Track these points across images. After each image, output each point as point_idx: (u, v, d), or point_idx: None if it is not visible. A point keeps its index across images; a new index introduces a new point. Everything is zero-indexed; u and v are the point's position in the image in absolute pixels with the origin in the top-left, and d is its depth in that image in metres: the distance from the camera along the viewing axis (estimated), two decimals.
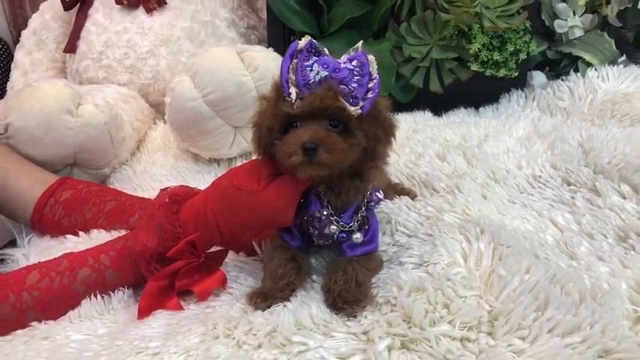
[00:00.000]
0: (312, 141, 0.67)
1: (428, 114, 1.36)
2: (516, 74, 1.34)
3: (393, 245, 0.87)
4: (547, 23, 1.48)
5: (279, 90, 0.70)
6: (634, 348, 0.63)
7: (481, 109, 1.40)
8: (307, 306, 0.74)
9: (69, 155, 1.10)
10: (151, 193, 1.11)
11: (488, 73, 1.33)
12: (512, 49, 1.30)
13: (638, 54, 1.44)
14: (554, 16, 1.47)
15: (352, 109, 0.68)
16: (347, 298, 0.74)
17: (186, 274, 0.77)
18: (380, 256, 0.82)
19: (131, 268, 0.78)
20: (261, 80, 1.09)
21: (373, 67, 0.69)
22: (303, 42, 0.68)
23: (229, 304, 0.75)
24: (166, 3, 1.39)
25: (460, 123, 1.28)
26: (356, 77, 0.68)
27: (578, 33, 1.44)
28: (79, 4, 1.47)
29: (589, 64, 1.38)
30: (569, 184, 1.03)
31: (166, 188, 0.94)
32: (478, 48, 1.29)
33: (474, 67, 1.32)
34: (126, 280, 0.79)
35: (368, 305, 0.74)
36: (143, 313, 0.74)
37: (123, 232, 0.95)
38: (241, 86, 1.08)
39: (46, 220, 1.01)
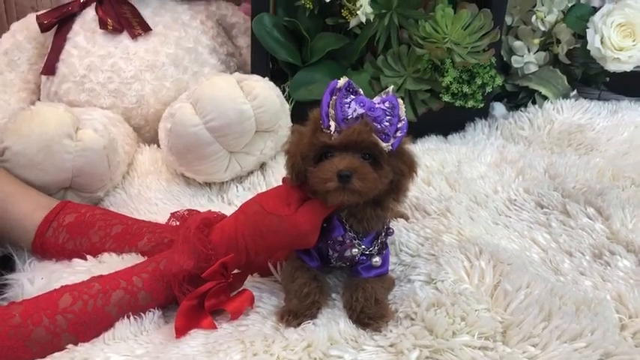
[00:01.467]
0: (348, 169, 0.73)
1: None
2: (482, 105, 1.46)
3: (399, 264, 0.95)
4: (505, 59, 1.62)
5: (317, 122, 0.76)
6: (630, 350, 0.74)
7: (449, 137, 1.51)
8: (335, 322, 0.80)
9: (66, 179, 1.11)
10: (148, 217, 1.13)
11: (457, 104, 1.43)
12: (480, 82, 1.41)
13: (586, 89, 1.60)
14: (511, 52, 1.62)
15: (384, 144, 0.75)
16: (370, 314, 0.80)
17: (214, 294, 0.81)
18: (391, 276, 0.89)
19: (163, 289, 0.81)
20: (260, 108, 1.14)
21: (402, 110, 0.77)
22: (341, 82, 0.75)
23: (261, 323, 0.80)
24: (151, 29, 1.41)
25: (435, 150, 1.38)
26: (387, 117, 0.75)
27: (533, 68, 1.59)
28: (56, 27, 1.47)
29: (545, 97, 1.52)
30: (542, 207, 1.13)
31: (176, 212, 0.98)
32: (450, 81, 1.40)
33: (446, 98, 1.42)
34: (157, 302, 0.82)
35: (390, 320, 0.81)
36: (180, 332, 0.77)
37: (134, 256, 0.97)
38: (242, 114, 1.12)
39: (48, 245, 1.01)
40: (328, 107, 0.75)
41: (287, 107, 1.27)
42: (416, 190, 1.17)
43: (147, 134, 1.42)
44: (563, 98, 1.52)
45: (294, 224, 0.79)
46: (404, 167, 0.79)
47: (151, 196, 1.20)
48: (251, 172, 1.28)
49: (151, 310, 0.82)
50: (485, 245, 0.93)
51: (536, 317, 0.77)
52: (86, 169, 1.11)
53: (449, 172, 1.26)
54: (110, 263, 0.95)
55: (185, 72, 1.43)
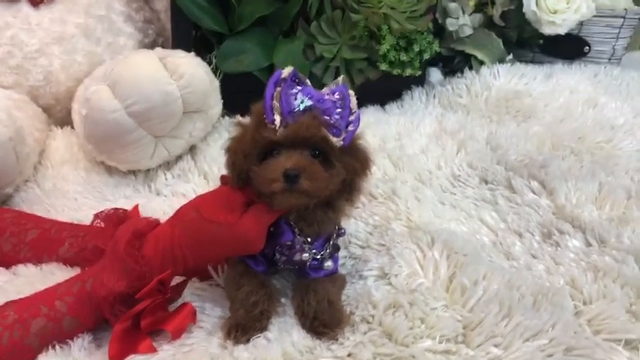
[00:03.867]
0: (295, 168, 0.66)
1: None
2: (419, 73, 1.41)
3: (349, 258, 0.90)
4: (440, 21, 1.56)
5: (260, 116, 0.68)
6: (590, 344, 0.72)
7: (387, 107, 1.46)
8: (287, 334, 0.73)
9: None
10: (66, 214, 1.01)
11: (395, 72, 1.37)
12: (417, 49, 1.36)
13: (520, 52, 1.58)
14: (445, 14, 1.56)
15: (335, 140, 0.68)
16: (324, 320, 0.75)
17: (150, 312, 0.72)
18: (342, 274, 0.84)
19: (91, 312, 0.72)
20: (187, 88, 1.03)
21: (353, 101, 0.70)
22: (286, 71, 0.67)
23: (206, 341, 0.73)
24: None
25: (376, 123, 1.32)
26: (338, 109, 0.68)
27: (468, 31, 1.54)
28: None
29: (481, 62, 1.49)
30: (486, 182, 1.11)
31: (100, 212, 0.88)
32: (387, 48, 1.33)
33: (383, 67, 1.36)
34: (85, 326, 0.73)
35: (346, 326, 0.75)
36: None
37: (55, 265, 0.86)
38: (167, 96, 1.01)
39: None
40: (272, 100, 0.66)
41: (217, 84, 1.17)
42: None
43: (59, 114, 1.28)
44: (499, 62, 1.49)
45: (238, 233, 0.71)
46: (357, 164, 0.72)
47: (69, 190, 1.08)
48: (180, 157, 1.18)
49: (79, 335, 0.72)
50: (436, 233, 0.89)
51: (496, 315, 0.74)
52: None
53: (391, 148, 1.21)
54: (27, 276, 0.84)
55: (98, 43, 1.28)
